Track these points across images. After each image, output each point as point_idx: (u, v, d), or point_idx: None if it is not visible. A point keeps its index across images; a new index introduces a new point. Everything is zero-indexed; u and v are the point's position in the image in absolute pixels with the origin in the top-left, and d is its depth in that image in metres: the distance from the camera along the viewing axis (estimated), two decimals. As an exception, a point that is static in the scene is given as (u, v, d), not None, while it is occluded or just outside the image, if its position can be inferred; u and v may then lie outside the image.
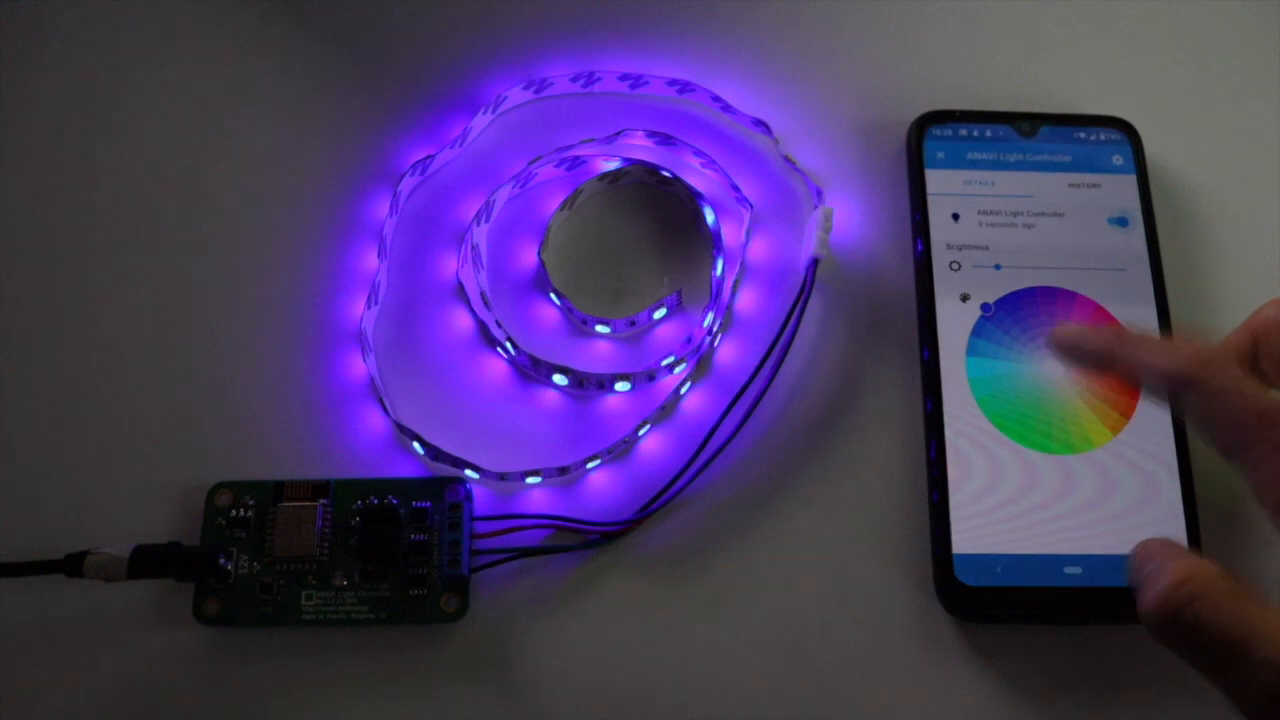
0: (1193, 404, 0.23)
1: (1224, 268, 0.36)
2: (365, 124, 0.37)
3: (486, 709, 0.30)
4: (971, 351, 0.33)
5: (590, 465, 0.33)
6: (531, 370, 0.34)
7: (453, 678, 0.31)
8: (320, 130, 0.37)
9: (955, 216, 0.35)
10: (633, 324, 0.35)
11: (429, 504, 0.31)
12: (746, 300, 0.35)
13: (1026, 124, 0.36)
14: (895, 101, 0.37)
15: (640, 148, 0.37)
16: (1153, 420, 0.32)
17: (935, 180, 0.35)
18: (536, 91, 0.37)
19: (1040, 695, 0.31)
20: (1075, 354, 0.27)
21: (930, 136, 0.36)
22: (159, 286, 0.35)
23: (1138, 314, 0.34)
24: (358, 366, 0.34)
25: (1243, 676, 0.21)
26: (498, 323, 0.34)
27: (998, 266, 0.34)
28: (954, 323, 0.33)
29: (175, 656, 0.31)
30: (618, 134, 0.36)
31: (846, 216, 0.36)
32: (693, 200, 0.36)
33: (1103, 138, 0.36)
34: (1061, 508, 0.31)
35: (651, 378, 0.34)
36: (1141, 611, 0.22)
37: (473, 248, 0.35)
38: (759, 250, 0.36)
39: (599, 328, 0.35)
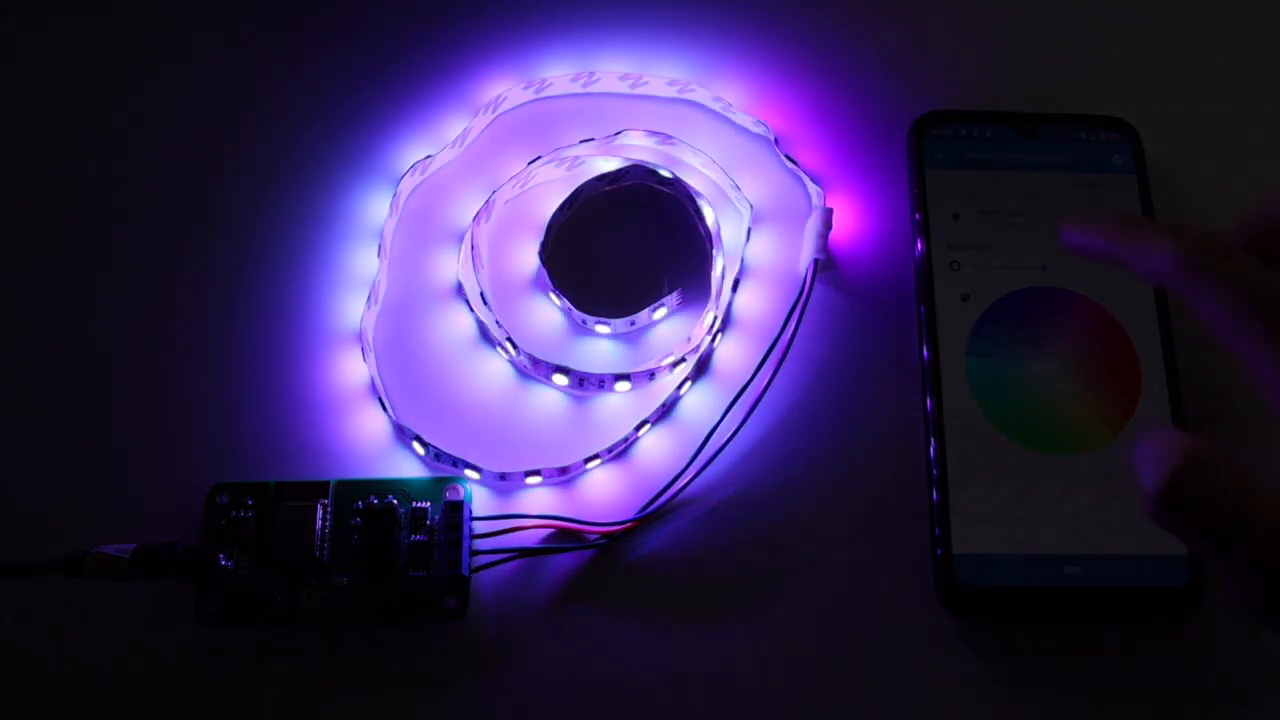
0: (1193, 290, 0.23)
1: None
2: (365, 124, 0.37)
3: (486, 709, 0.30)
4: (971, 351, 0.33)
5: (590, 465, 0.33)
6: (531, 370, 0.34)
7: (453, 678, 0.31)
8: (320, 130, 0.37)
9: (955, 216, 0.35)
10: (633, 324, 0.35)
11: (429, 504, 0.31)
12: (746, 300, 0.35)
13: (1026, 124, 0.36)
14: (895, 101, 0.37)
15: (640, 148, 0.37)
16: (1153, 420, 0.32)
17: (935, 180, 0.35)
18: (536, 91, 0.37)
19: (1040, 695, 0.31)
20: (1084, 252, 0.26)
21: (930, 136, 0.36)
22: (159, 286, 0.35)
23: (1137, 313, 0.34)
24: (358, 366, 0.34)
25: (1241, 559, 0.21)
26: (498, 323, 0.34)
27: (998, 266, 0.34)
28: (954, 323, 0.33)
29: (175, 656, 0.31)
30: (618, 134, 0.36)
31: (846, 216, 0.36)
32: (693, 200, 0.36)
33: (1103, 138, 0.36)
34: (1061, 508, 0.31)
35: (651, 378, 0.34)
36: (1146, 498, 0.22)
37: (472, 248, 0.35)
38: (759, 250, 0.36)
39: (599, 328, 0.35)
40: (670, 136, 0.36)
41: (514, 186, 0.36)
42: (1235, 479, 0.21)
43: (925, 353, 0.33)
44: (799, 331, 0.34)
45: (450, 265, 0.36)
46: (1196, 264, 0.23)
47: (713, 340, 0.34)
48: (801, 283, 0.34)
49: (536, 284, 0.35)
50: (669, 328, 0.35)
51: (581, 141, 0.36)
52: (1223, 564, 0.21)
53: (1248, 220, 0.25)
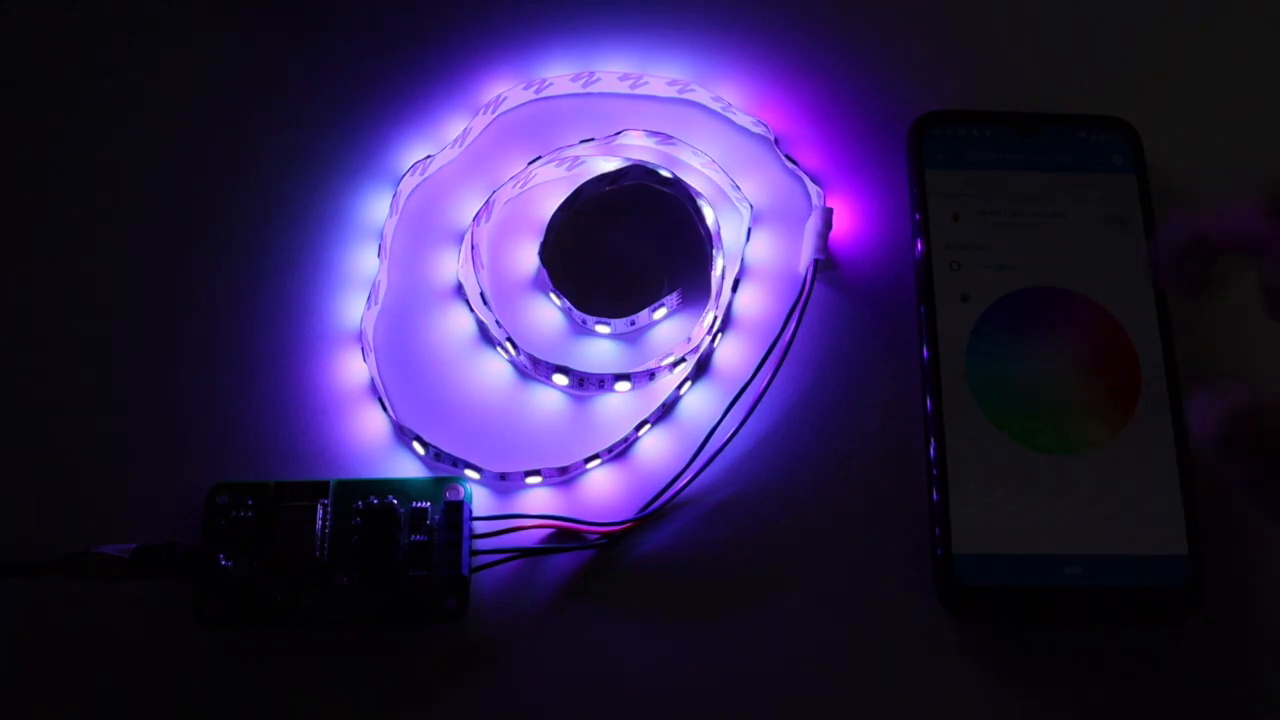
0: (1224, 463, 0.23)
1: (1222, 267, 0.36)
2: (365, 125, 0.37)
3: (486, 709, 0.30)
4: (971, 351, 0.33)
5: (590, 465, 0.33)
6: (531, 370, 0.34)
7: (453, 678, 0.31)
8: (320, 130, 0.37)
9: (955, 216, 0.35)
10: (633, 324, 0.35)
11: (429, 504, 0.31)
12: (746, 300, 0.35)
13: (1026, 124, 0.36)
14: (895, 101, 0.37)
15: (640, 148, 0.37)
16: (1153, 420, 0.32)
17: (935, 180, 0.35)
18: (536, 91, 0.37)
19: (1040, 695, 0.31)
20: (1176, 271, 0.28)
21: (930, 136, 0.36)
22: (159, 287, 0.35)
23: (1137, 313, 0.34)
24: (358, 366, 0.34)
25: None
26: (498, 323, 0.34)
27: (998, 266, 0.34)
28: (954, 323, 0.33)
29: (175, 656, 0.31)
30: (618, 134, 0.36)
31: (846, 216, 0.36)
32: (693, 200, 0.36)
33: (1103, 138, 0.36)
34: (1061, 508, 0.31)
35: (651, 378, 0.34)
36: (1204, 441, 0.23)
37: (473, 248, 0.35)
38: (759, 250, 0.36)
39: (599, 328, 0.35)
40: (670, 136, 0.36)
41: (514, 186, 0.36)
42: None
43: (925, 353, 0.33)
44: (799, 331, 0.34)
45: (450, 265, 0.36)
46: (1227, 439, 0.23)
47: (713, 340, 0.34)
48: (801, 283, 0.34)
49: (536, 284, 0.35)
50: (669, 328, 0.35)
51: (581, 141, 0.36)
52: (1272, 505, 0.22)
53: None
